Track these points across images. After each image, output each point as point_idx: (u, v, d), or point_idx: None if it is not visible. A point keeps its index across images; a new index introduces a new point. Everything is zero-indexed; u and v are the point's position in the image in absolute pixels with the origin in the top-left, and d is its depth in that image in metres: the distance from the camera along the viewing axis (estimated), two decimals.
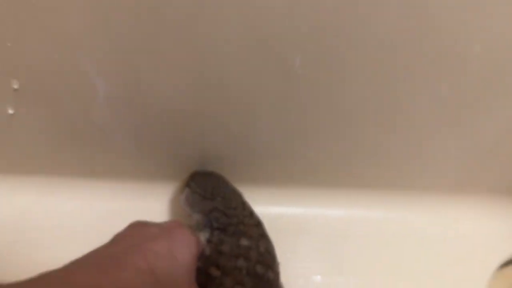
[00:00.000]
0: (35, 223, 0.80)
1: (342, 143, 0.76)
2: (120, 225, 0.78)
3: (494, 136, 0.76)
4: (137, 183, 0.84)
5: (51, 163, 0.80)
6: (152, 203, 0.83)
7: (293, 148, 0.77)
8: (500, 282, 0.82)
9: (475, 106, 0.70)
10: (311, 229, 0.82)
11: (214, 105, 0.69)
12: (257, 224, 0.65)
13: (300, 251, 0.80)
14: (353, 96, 0.68)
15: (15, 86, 0.64)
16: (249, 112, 0.71)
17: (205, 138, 0.76)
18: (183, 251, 0.52)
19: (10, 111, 0.69)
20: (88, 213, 0.82)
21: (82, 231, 0.79)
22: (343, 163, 0.80)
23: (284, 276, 0.64)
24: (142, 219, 0.60)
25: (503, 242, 0.84)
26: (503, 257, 0.83)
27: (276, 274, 0.61)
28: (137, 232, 0.55)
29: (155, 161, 0.80)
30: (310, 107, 0.69)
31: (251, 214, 0.67)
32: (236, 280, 0.55)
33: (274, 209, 0.84)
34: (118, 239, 0.53)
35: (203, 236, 0.62)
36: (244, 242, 0.61)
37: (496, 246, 0.84)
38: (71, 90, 0.65)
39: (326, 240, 0.81)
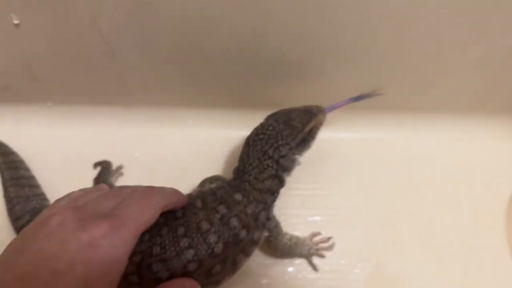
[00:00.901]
0: (46, 153, 0.79)
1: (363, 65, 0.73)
2: (133, 150, 0.79)
3: (503, 54, 0.70)
4: (148, 109, 0.82)
5: (59, 90, 0.78)
6: (165, 129, 0.82)
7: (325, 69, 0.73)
8: None
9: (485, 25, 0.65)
10: (332, 152, 0.81)
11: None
12: (266, 191, 0.64)
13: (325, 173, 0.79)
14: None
15: None
16: None
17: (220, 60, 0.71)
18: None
19: (15, 21, 0.64)
20: (100, 140, 0.81)
21: (94, 159, 0.78)
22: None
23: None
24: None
25: None
26: None
27: (251, 238, 0.62)
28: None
29: (163, 84, 0.76)
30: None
31: (270, 178, 0.64)
32: (208, 216, 0.60)
33: None
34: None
35: None
36: (238, 196, 0.63)
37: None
38: None
39: (344, 162, 0.80)
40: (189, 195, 0.66)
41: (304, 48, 0.69)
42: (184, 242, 0.58)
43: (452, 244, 0.74)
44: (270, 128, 0.65)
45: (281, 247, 0.68)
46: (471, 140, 0.84)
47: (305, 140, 0.66)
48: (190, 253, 0.58)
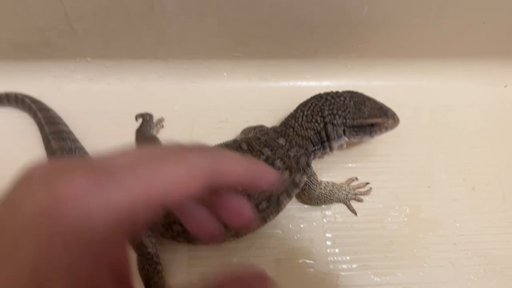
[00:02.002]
0: (86, 109, 0.80)
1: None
2: (172, 103, 0.81)
3: None
4: (184, 62, 0.82)
5: (98, 44, 0.78)
6: (202, 82, 0.83)
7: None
8: None
9: None
10: None
11: None
12: (308, 138, 0.67)
13: None
14: None
15: None
16: None
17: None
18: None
19: None
20: (139, 94, 0.82)
21: (134, 112, 0.80)
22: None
23: None
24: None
25: None
26: None
27: (293, 179, 0.65)
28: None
29: (200, 34, 0.77)
30: None
31: (313, 130, 0.68)
32: (253, 156, 0.64)
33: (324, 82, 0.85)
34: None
35: None
36: (281, 141, 0.66)
37: None
38: None
39: None
40: (234, 140, 0.68)
41: None
42: None
43: (488, 184, 0.75)
44: (342, 98, 0.68)
45: (316, 196, 0.70)
46: (506, 85, 0.85)
47: (361, 128, 0.68)
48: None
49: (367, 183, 0.75)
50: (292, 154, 0.66)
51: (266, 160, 0.64)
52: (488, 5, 0.73)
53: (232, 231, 0.63)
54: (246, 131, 0.75)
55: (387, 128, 0.69)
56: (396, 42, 0.79)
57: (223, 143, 0.69)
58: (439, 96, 0.84)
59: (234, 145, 0.66)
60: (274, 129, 0.70)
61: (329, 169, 0.76)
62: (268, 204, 0.63)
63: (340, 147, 0.72)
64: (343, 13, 0.73)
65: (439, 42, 0.79)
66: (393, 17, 0.73)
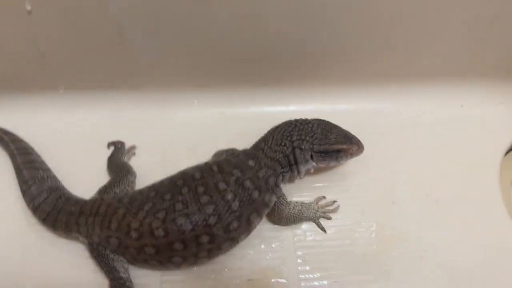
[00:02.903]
0: (59, 139, 0.82)
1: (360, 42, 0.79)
2: (143, 131, 0.83)
3: (487, 21, 0.77)
4: (155, 91, 0.85)
5: (70, 76, 0.81)
6: (173, 110, 0.86)
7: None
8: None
9: None
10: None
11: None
12: (276, 160, 0.70)
13: None
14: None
15: None
16: None
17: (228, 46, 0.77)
18: None
19: (28, 7, 0.68)
20: (111, 123, 0.85)
21: (106, 141, 0.82)
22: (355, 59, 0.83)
23: None
24: None
25: (509, 125, 0.88)
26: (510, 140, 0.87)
27: (262, 199, 0.68)
28: None
29: (169, 65, 0.81)
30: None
31: (281, 153, 0.70)
32: (224, 178, 0.66)
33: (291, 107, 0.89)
34: None
35: None
36: (251, 163, 0.69)
37: (503, 129, 0.88)
38: None
39: None
40: (206, 163, 0.70)
41: (301, 22, 0.74)
42: (204, 199, 0.63)
43: (449, 198, 0.79)
44: (310, 125, 0.72)
45: (286, 216, 0.73)
46: (462, 105, 0.90)
47: (328, 154, 0.72)
48: (210, 208, 0.62)
49: (335, 201, 0.77)
50: (261, 175, 0.68)
51: (236, 180, 0.66)
52: (439, 31, 0.78)
53: (204, 253, 0.65)
54: (218, 154, 0.77)
55: (352, 154, 0.73)
56: (356, 67, 0.84)
57: (195, 165, 0.71)
58: (399, 117, 0.88)
59: (205, 167, 0.68)
60: (244, 151, 0.73)
61: (298, 189, 0.78)
62: (238, 224, 0.65)
63: (308, 171, 0.75)
64: (305, 42, 0.77)
65: (396, 66, 0.84)
66: (351, 43, 0.79)
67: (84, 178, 0.77)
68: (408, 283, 0.72)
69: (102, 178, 0.76)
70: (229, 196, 0.64)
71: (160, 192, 0.66)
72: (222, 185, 0.65)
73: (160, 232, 0.62)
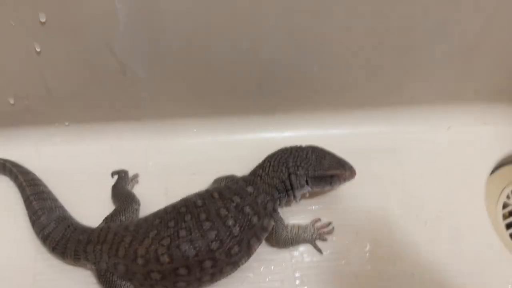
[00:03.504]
0: (65, 170, 0.85)
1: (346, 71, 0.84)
2: (146, 160, 0.87)
3: (467, 48, 0.82)
4: (157, 121, 0.90)
5: (76, 110, 0.85)
6: (173, 139, 0.91)
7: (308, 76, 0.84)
8: (498, 182, 0.91)
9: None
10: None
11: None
12: (274, 185, 0.74)
13: None
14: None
15: (42, 20, 0.67)
16: None
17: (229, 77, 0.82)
18: None
19: (38, 49, 0.72)
20: (115, 154, 0.88)
21: (110, 171, 0.86)
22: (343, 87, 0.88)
23: None
24: None
25: (494, 145, 0.93)
26: (496, 158, 0.91)
27: (261, 224, 0.71)
28: None
29: (170, 97, 0.85)
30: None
31: (278, 179, 0.74)
32: (225, 205, 0.70)
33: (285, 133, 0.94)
34: None
35: None
36: (250, 189, 0.73)
37: (488, 149, 0.93)
38: (93, 18, 0.68)
39: None
40: (206, 190, 0.74)
41: (293, 54, 0.79)
42: (206, 225, 0.66)
43: (438, 217, 0.83)
44: (304, 152, 0.76)
45: (283, 239, 0.76)
46: (449, 127, 0.95)
47: (322, 179, 0.76)
48: (212, 234, 0.66)
49: (330, 223, 0.81)
50: (259, 201, 0.72)
51: (236, 207, 0.70)
52: (423, 59, 0.83)
53: (207, 277, 0.68)
54: (218, 181, 0.81)
55: (345, 179, 0.77)
56: (346, 94, 0.89)
57: (196, 193, 0.75)
58: (388, 140, 0.93)
59: (206, 195, 0.72)
60: (243, 178, 0.76)
61: (294, 212, 0.82)
62: (239, 249, 0.68)
63: (303, 196, 0.79)
64: (297, 72, 0.82)
65: (384, 92, 0.89)
66: (340, 73, 0.83)
67: (90, 207, 0.80)
68: None
69: (107, 206, 0.80)
70: (230, 222, 0.68)
71: (164, 219, 0.69)
72: (223, 211, 0.69)
73: (165, 258, 0.65)
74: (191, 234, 0.66)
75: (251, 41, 0.76)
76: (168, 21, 0.71)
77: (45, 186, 0.82)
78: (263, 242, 0.77)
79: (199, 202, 0.70)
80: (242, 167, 0.82)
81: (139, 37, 0.73)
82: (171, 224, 0.68)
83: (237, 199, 0.71)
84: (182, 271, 0.66)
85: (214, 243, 0.66)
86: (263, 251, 0.78)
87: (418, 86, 0.89)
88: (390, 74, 0.86)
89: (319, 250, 0.79)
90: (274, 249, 0.79)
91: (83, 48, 0.73)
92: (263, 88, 0.85)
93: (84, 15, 0.68)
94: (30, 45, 0.71)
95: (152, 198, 0.81)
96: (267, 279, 0.76)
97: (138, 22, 0.70)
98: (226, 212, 0.69)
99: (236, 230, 0.68)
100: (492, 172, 0.91)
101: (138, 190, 0.83)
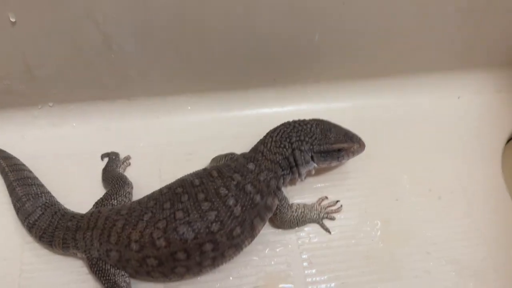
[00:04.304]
0: (52, 153, 0.80)
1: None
2: (137, 141, 0.81)
3: (479, 8, 0.76)
4: (147, 100, 0.84)
5: (60, 89, 0.78)
6: (166, 118, 0.85)
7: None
8: None
9: None
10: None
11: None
12: (277, 162, 0.68)
13: None
14: None
15: None
16: None
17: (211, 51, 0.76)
18: None
19: (12, 19, 0.66)
20: (104, 135, 0.83)
21: (100, 153, 0.80)
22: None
23: None
24: None
25: (509, 113, 0.88)
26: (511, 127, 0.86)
27: (265, 203, 0.66)
28: None
29: (161, 72, 0.79)
30: None
31: (281, 155, 0.69)
32: (224, 183, 0.64)
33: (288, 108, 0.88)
34: None
35: None
36: (251, 166, 0.68)
37: (502, 117, 0.88)
38: None
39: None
40: (204, 169, 0.69)
41: (292, 22, 0.73)
42: (205, 206, 0.61)
43: (452, 191, 0.78)
44: (308, 125, 0.71)
45: (288, 219, 0.71)
46: (459, 96, 0.90)
47: (329, 153, 0.71)
48: (212, 215, 0.60)
49: (338, 201, 0.76)
50: (262, 178, 0.67)
51: (237, 185, 0.64)
52: (432, 22, 0.78)
53: (208, 261, 0.63)
54: (216, 159, 0.76)
55: (353, 153, 0.72)
56: (349, 64, 0.83)
57: (193, 172, 0.69)
58: (397, 111, 0.87)
59: (204, 174, 0.67)
60: (243, 155, 0.71)
61: (299, 191, 0.77)
62: (242, 230, 0.63)
63: (309, 173, 0.74)
64: (297, 42, 0.76)
65: (391, 60, 0.84)
66: (343, 41, 0.78)
67: (79, 192, 0.75)
68: (417, 280, 0.70)
69: (98, 191, 0.74)
70: (231, 201, 0.62)
71: (159, 201, 0.64)
72: (223, 191, 0.63)
73: (161, 242, 0.60)
74: (189, 215, 0.61)
75: (246, 7, 0.70)
76: None
77: (30, 172, 0.76)
78: (267, 223, 0.72)
79: (197, 182, 0.65)
80: (241, 146, 0.77)
81: (122, 5, 0.67)
82: (167, 205, 0.62)
83: (237, 177, 0.65)
84: (181, 255, 0.60)
85: (214, 224, 0.61)
86: (267, 232, 0.73)
87: (426, 52, 0.84)
88: (397, 41, 0.80)
89: (327, 230, 0.74)
90: (279, 230, 0.73)
91: (62, 17, 0.67)
92: (261, 60, 0.79)
93: None
94: (3, 14, 0.65)
95: (146, 181, 0.76)
96: (272, 262, 0.71)
97: None
98: (226, 191, 0.63)
99: (237, 210, 0.62)
100: (508, 141, 0.85)
101: (130, 173, 0.78)
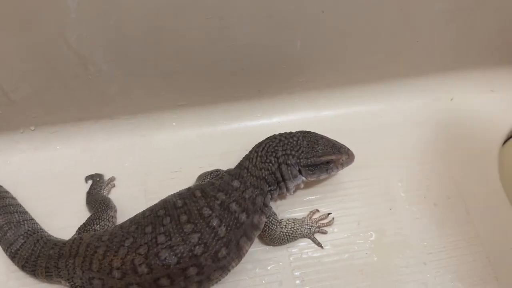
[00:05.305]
0: (34, 178, 0.78)
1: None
2: (122, 161, 0.79)
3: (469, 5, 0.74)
4: (131, 118, 0.82)
5: (40, 112, 0.77)
6: (150, 136, 0.83)
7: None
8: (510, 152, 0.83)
9: None
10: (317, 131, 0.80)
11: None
12: (263, 178, 0.66)
13: None
14: None
15: None
16: None
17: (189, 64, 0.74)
18: None
19: None
20: (88, 156, 0.81)
21: (84, 175, 0.78)
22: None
23: None
24: None
25: (504, 114, 0.85)
26: (508, 127, 0.83)
27: (251, 221, 0.63)
28: None
29: (142, 89, 0.77)
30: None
31: (267, 171, 0.67)
32: (208, 203, 0.62)
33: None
34: None
35: None
36: (236, 183, 0.65)
37: (498, 118, 0.85)
38: (40, 4, 0.60)
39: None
40: (188, 189, 0.67)
41: (272, 31, 0.71)
42: (188, 228, 0.59)
43: (449, 197, 0.76)
44: (295, 138, 0.68)
45: (278, 236, 0.69)
46: (452, 98, 0.87)
47: (317, 167, 0.68)
48: (195, 237, 0.58)
49: (329, 214, 0.74)
50: (247, 196, 0.64)
51: (221, 204, 0.62)
52: (420, 22, 0.75)
53: (193, 286, 0.60)
54: (202, 176, 0.73)
55: (342, 165, 0.70)
56: (335, 71, 0.81)
57: (176, 192, 0.67)
58: (387, 117, 0.85)
59: (188, 194, 0.64)
60: (228, 172, 0.69)
61: (289, 204, 0.75)
62: (228, 251, 0.61)
63: (298, 187, 0.71)
64: (279, 50, 0.74)
65: (378, 65, 0.81)
66: (326, 47, 0.75)
67: (63, 217, 0.73)
68: None
69: (82, 214, 0.72)
70: (215, 222, 0.60)
71: (141, 225, 0.62)
72: (206, 211, 0.61)
73: (143, 269, 0.57)
74: (171, 239, 0.58)
75: (222, 19, 0.68)
76: (124, 2, 0.62)
77: (12, 198, 0.74)
78: (256, 240, 0.70)
79: (179, 203, 0.62)
80: (229, 161, 0.75)
81: (94, 24, 0.65)
82: (149, 229, 0.60)
83: (221, 196, 0.63)
84: (164, 281, 0.58)
85: (197, 247, 0.58)
86: (256, 250, 0.70)
87: (415, 54, 0.81)
88: (384, 44, 0.78)
89: (319, 245, 0.71)
90: (269, 247, 0.71)
91: (35, 40, 0.65)
92: (244, 72, 0.77)
93: (29, 2, 0.60)
94: None
95: (132, 202, 0.74)
96: (263, 281, 0.69)
97: (92, 6, 0.62)
98: (210, 212, 0.61)
99: (221, 230, 0.60)
100: (505, 142, 0.82)
101: (115, 194, 0.76)
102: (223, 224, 0.60)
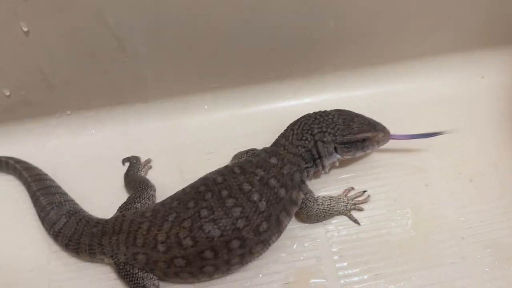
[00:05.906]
0: (72, 162, 0.80)
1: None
2: (158, 143, 0.81)
3: None
4: (164, 101, 0.83)
5: (77, 96, 0.78)
6: (184, 118, 0.84)
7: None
8: None
9: None
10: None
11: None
12: (299, 155, 0.67)
13: None
14: None
15: None
16: None
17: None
18: None
19: (25, 28, 0.66)
20: (124, 139, 0.82)
21: (121, 158, 0.79)
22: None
23: None
24: None
25: None
26: None
27: (290, 196, 0.64)
28: None
29: (176, 72, 0.78)
30: None
31: (303, 148, 0.67)
32: (247, 179, 0.62)
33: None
34: None
35: None
36: (273, 160, 0.66)
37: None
38: None
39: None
40: (226, 166, 0.67)
41: (305, 11, 0.71)
42: (229, 202, 0.60)
43: (484, 173, 0.75)
44: (330, 116, 0.69)
45: (315, 213, 0.69)
46: (483, 76, 0.86)
47: (353, 144, 0.69)
48: (237, 211, 0.59)
49: (365, 191, 0.74)
50: (285, 172, 0.65)
51: (260, 180, 0.63)
52: (450, 2, 0.75)
53: (236, 259, 0.61)
54: (238, 156, 0.74)
55: (378, 142, 0.70)
56: (367, 50, 0.81)
57: (215, 170, 0.68)
58: (419, 96, 0.85)
59: (226, 170, 0.65)
60: (265, 150, 0.70)
61: (324, 183, 0.75)
62: (268, 225, 0.62)
63: (333, 165, 0.72)
64: (312, 30, 0.75)
65: (409, 43, 0.81)
66: (358, 26, 0.76)
67: (102, 198, 0.75)
68: (453, 267, 0.68)
69: (120, 196, 0.74)
70: (255, 197, 0.61)
71: (183, 200, 0.63)
72: (246, 186, 0.62)
73: (188, 242, 0.58)
74: (213, 213, 0.59)
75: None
76: None
77: (52, 181, 0.76)
78: (293, 218, 0.70)
79: (219, 179, 0.63)
80: (261, 142, 0.75)
81: (133, 6, 0.66)
82: (191, 204, 0.61)
83: (260, 172, 0.64)
84: (208, 254, 0.59)
85: (240, 220, 0.59)
86: (294, 227, 0.71)
87: (445, 32, 0.81)
88: (415, 23, 0.78)
89: (356, 221, 0.71)
90: (306, 224, 0.72)
91: (74, 23, 0.67)
92: (276, 53, 0.78)
93: None
94: (15, 24, 0.65)
95: (168, 183, 0.75)
96: (301, 257, 0.69)
97: None
98: (250, 187, 0.62)
99: (262, 205, 0.61)
100: None
101: (152, 175, 0.77)
102: (263, 198, 0.61)
